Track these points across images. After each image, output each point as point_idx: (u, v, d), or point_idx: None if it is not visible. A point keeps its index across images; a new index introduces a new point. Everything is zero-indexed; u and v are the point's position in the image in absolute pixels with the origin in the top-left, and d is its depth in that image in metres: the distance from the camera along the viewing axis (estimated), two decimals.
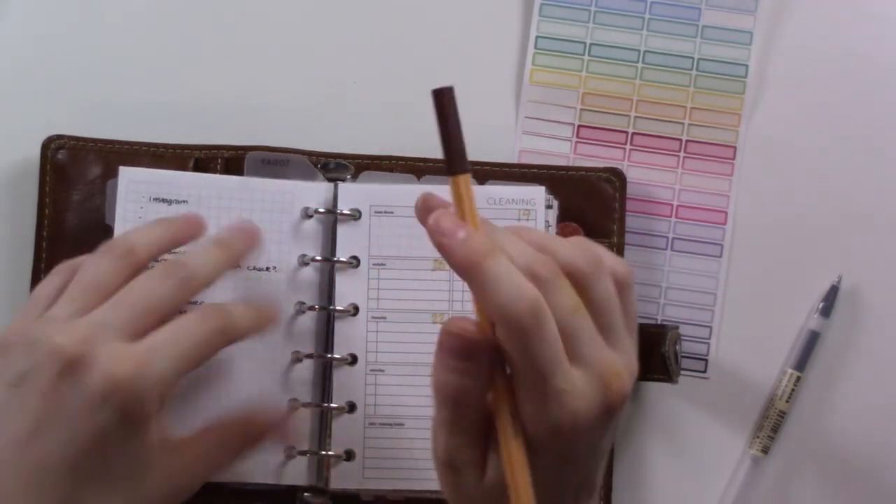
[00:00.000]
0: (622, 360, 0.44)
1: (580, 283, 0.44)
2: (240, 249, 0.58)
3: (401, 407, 0.62)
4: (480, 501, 0.46)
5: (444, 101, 0.45)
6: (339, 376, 0.62)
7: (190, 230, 0.57)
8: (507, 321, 0.41)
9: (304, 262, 0.63)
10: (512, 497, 0.43)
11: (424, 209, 0.45)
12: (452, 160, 0.45)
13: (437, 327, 0.62)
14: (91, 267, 0.53)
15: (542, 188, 0.63)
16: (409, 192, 0.63)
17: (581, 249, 0.44)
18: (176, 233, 0.56)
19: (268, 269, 0.62)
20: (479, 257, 0.42)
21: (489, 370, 0.44)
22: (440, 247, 0.43)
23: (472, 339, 0.43)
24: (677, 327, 0.65)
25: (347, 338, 0.62)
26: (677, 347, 0.63)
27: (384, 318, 0.63)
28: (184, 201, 0.62)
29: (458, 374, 0.44)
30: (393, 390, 0.62)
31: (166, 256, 0.56)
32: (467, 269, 0.42)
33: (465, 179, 0.45)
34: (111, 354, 0.48)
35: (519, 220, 0.63)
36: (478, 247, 0.42)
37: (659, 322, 0.67)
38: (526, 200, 0.63)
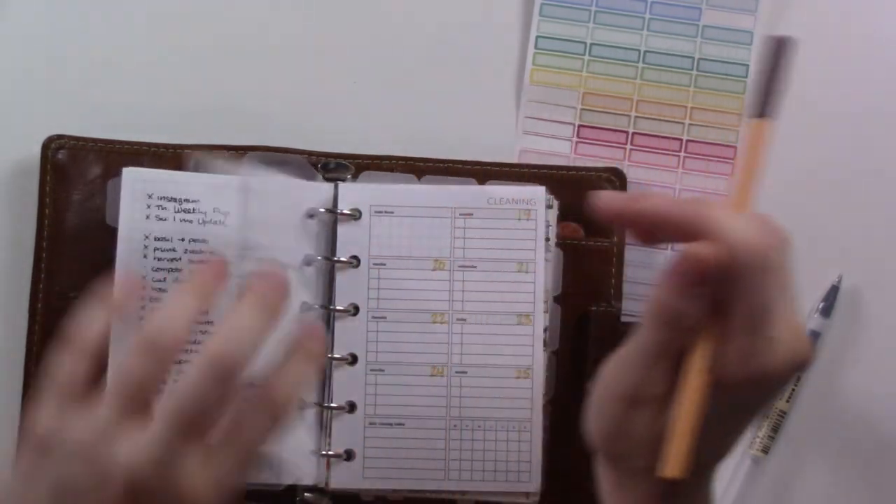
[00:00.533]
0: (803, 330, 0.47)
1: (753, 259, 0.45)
2: (278, 309, 0.52)
3: (401, 406, 0.62)
4: (646, 446, 0.47)
5: (780, 47, 0.47)
6: (339, 376, 0.62)
7: (216, 284, 0.53)
8: (755, 254, 0.43)
9: (305, 261, 0.63)
10: (672, 438, 0.45)
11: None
12: (764, 103, 0.47)
13: (437, 327, 0.63)
14: (128, 365, 0.49)
15: (542, 188, 0.63)
16: (409, 192, 0.64)
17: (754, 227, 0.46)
18: (204, 298, 0.52)
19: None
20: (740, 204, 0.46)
21: (711, 301, 0.45)
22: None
23: (708, 264, 0.44)
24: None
25: (347, 337, 0.63)
26: None
27: (384, 317, 0.63)
28: (188, 201, 0.62)
29: (686, 298, 0.45)
30: (393, 390, 0.62)
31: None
32: (695, 221, 0.45)
33: (765, 126, 0.47)
34: (189, 480, 0.47)
35: (519, 220, 0.63)
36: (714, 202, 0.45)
37: None
38: (526, 200, 0.63)
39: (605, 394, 0.48)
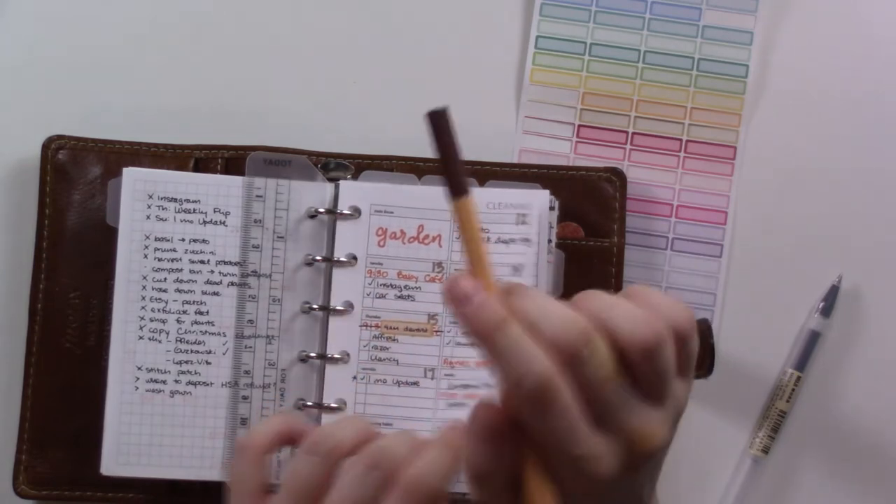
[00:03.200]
0: (663, 414, 0.44)
1: (636, 356, 0.42)
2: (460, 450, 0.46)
3: (390, 407, 0.62)
4: None
5: (439, 122, 0.43)
6: (332, 375, 0.62)
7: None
8: (518, 395, 0.41)
9: (306, 262, 0.63)
10: None
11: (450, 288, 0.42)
12: (453, 183, 0.43)
13: (431, 328, 0.63)
14: (297, 468, 0.47)
15: (546, 192, 0.63)
16: (410, 192, 0.64)
17: (642, 320, 0.42)
18: (370, 434, 0.49)
19: (272, 269, 0.63)
20: (490, 330, 0.40)
21: (518, 449, 0.43)
22: (456, 316, 0.41)
23: (495, 424, 0.42)
24: (706, 319, 0.64)
25: (342, 336, 0.62)
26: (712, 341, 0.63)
27: (378, 317, 0.63)
28: (188, 201, 0.62)
29: (487, 458, 0.42)
30: (384, 390, 0.62)
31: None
32: (479, 342, 0.41)
33: (467, 204, 0.42)
34: None
35: (517, 224, 0.62)
36: (488, 317, 0.41)
37: None
38: (523, 205, 0.62)
39: None
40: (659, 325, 0.42)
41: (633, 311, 0.42)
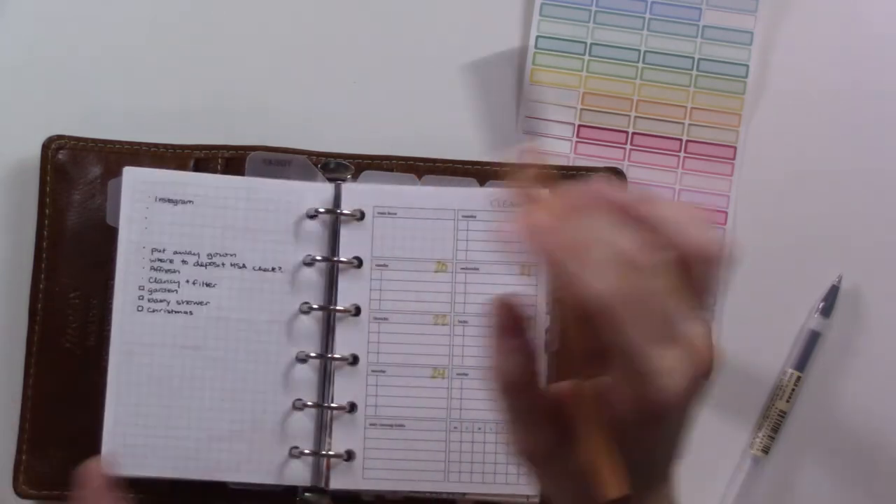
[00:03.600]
0: (708, 330, 0.44)
1: (698, 265, 0.42)
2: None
3: (401, 408, 0.62)
4: (574, 487, 0.45)
5: None
6: (341, 377, 0.62)
7: None
8: (594, 312, 0.40)
9: (306, 262, 0.63)
10: (594, 470, 0.42)
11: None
12: None
13: (439, 329, 0.63)
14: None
15: (546, 192, 0.63)
16: (412, 193, 0.64)
17: (688, 233, 0.42)
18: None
19: (273, 269, 0.63)
20: (562, 252, 0.41)
21: (534, 345, 0.44)
22: (531, 247, 0.42)
23: (516, 314, 0.43)
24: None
25: (349, 338, 0.63)
26: None
27: (386, 318, 0.63)
28: (189, 202, 0.62)
29: (511, 354, 0.44)
30: (394, 391, 0.62)
31: None
32: (551, 266, 0.41)
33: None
34: None
35: None
36: (559, 241, 0.41)
37: None
38: None
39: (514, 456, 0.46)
40: (699, 242, 0.42)
41: (678, 220, 0.42)
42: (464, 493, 0.63)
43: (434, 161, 0.66)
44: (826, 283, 0.68)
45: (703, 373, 0.43)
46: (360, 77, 0.69)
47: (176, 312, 0.62)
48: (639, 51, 0.69)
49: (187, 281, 0.62)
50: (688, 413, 0.45)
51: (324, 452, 0.62)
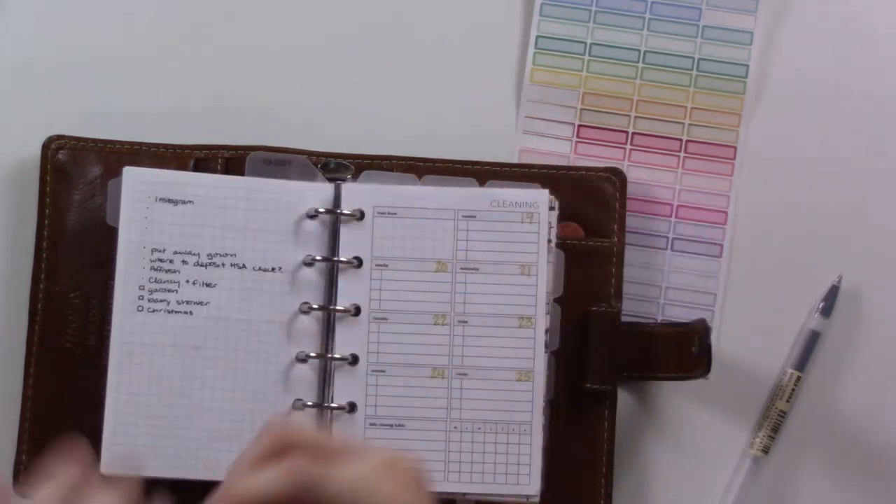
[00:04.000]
0: None
1: None
2: None
3: (401, 408, 0.62)
4: None
5: None
6: (341, 377, 0.62)
7: None
8: None
9: (306, 262, 0.63)
10: None
11: None
12: None
13: (439, 329, 0.63)
14: None
15: (546, 191, 0.63)
16: (412, 193, 0.64)
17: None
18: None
19: (273, 269, 0.63)
20: None
21: None
22: None
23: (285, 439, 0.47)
24: (704, 319, 0.64)
25: (349, 338, 0.63)
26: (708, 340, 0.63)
27: (385, 318, 0.63)
28: (189, 202, 0.63)
29: None
30: (394, 391, 0.62)
31: None
32: None
33: None
34: None
35: (522, 222, 0.63)
36: None
37: (658, 321, 0.67)
38: (529, 203, 0.63)
39: None
40: None
41: None
42: (464, 493, 0.63)
43: (434, 161, 0.66)
44: (826, 283, 0.68)
45: None
46: (360, 77, 0.69)
47: (176, 312, 0.62)
48: (639, 51, 0.69)
49: (187, 281, 0.62)
50: None
51: None
